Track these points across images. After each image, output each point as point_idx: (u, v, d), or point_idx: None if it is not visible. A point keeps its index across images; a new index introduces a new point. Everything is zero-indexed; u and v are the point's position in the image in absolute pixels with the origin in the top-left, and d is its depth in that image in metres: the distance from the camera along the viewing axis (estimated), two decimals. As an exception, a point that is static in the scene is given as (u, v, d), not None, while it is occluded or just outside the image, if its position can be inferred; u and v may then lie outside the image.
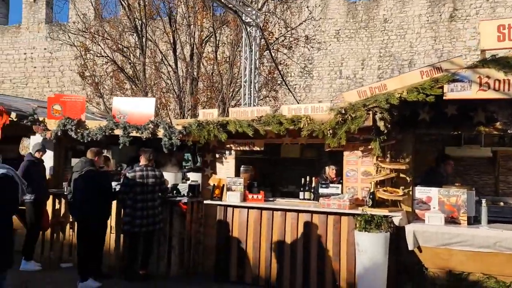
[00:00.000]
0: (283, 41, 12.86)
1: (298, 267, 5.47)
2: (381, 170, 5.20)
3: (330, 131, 5.03)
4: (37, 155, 6.33)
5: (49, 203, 6.56)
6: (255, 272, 5.68)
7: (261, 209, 5.72)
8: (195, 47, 11.89)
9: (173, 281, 5.91)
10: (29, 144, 6.76)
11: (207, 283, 5.81)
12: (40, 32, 20.50)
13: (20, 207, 6.05)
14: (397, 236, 5.05)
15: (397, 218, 4.95)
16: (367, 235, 4.84)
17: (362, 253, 4.88)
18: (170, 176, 6.75)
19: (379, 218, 4.88)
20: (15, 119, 6.67)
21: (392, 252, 4.97)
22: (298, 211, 5.53)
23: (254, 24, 9.39)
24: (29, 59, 20.88)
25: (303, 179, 6.08)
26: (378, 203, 5.06)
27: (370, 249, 4.82)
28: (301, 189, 6.07)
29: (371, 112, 4.88)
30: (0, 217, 3.35)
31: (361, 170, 5.41)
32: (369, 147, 5.22)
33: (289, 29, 12.82)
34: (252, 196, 5.85)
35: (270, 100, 12.30)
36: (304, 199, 5.98)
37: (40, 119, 6.67)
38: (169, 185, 6.47)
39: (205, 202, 6.11)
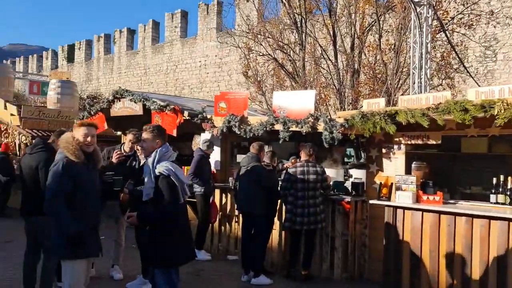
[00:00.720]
0: (460, 19, 11.16)
1: (490, 285, 4.46)
2: None
3: (539, 117, 3.91)
4: (206, 151, 6.67)
5: (217, 197, 6.87)
6: (433, 286, 4.87)
7: (439, 212, 4.89)
8: (356, 37, 11.24)
9: (337, 285, 5.52)
10: (200, 141, 7.20)
11: (374, 291, 5.25)
12: (212, 41, 22.52)
13: (191, 199, 6.51)
14: None
15: None
16: None
17: None
18: (331, 173, 6.39)
19: None
20: (187, 118, 7.18)
21: None
22: (490, 218, 4.52)
23: (425, 3, 8.30)
24: (203, 66, 23.17)
25: (494, 179, 4.98)
26: None
27: None
28: (492, 191, 4.97)
29: None
30: (165, 216, 3.41)
31: None
32: None
33: (467, 5, 11.05)
34: (428, 197, 5.05)
35: (444, 89, 10.81)
36: (496, 203, 4.88)
37: (208, 116, 7.04)
38: (331, 182, 6.09)
39: (370, 202, 5.58)
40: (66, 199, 3.30)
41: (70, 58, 32.48)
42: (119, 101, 8.21)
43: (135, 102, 7.86)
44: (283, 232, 6.10)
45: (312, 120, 5.73)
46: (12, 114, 10.69)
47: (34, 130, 10.18)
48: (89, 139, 3.45)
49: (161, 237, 3.42)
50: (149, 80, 26.03)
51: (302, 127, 5.79)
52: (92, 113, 8.59)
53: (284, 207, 5.86)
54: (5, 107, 10.96)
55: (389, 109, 5.25)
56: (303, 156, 5.71)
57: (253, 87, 13.23)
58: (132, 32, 28.36)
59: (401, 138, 5.41)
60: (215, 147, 6.92)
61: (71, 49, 32.73)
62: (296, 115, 6.01)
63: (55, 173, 3.31)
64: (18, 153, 10.45)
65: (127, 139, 5.46)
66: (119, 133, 9.40)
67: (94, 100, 18.14)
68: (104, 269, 5.52)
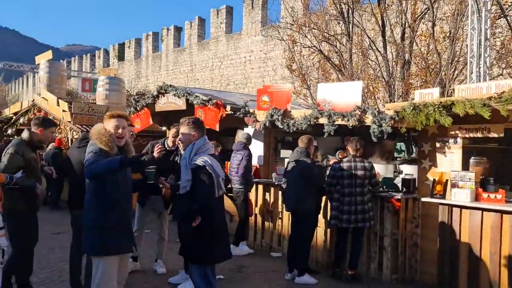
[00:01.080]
0: (523, 3, 10.31)
1: (561, 295, 4.01)
2: None
3: None
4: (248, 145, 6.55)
5: (260, 193, 6.73)
6: (495, 292, 4.47)
7: (502, 212, 4.47)
8: (406, 26, 10.66)
9: (386, 286, 5.25)
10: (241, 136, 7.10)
11: (427, 295, 4.92)
12: (257, 36, 22.39)
13: (230, 194, 6.43)
14: None
15: None
16: None
17: None
18: (380, 169, 6.07)
19: None
20: (230, 112, 7.10)
21: None
22: (562, 219, 4.06)
23: (483, -14, 7.71)
24: (248, 62, 23.11)
25: None
26: None
27: None
28: None
29: None
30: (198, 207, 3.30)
31: None
32: None
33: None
34: (488, 196, 4.65)
35: (506, 79, 10.03)
36: None
37: (251, 111, 6.90)
38: (380, 178, 5.78)
39: (422, 199, 5.25)
40: (99, 193, 3.24)
41: (121, 57, 33.60)
42: (163, 96, 8.27)
43: (178, 97, 7.88)
44: (328, 230, 5.87)
45: (359, 113, 5.43)
46: (64, 110, 11.14)
47: (84, 126, 10.52)
48: (120, 130, 3.33)
49: (193, 231, 3.32)
50: (195, 76, 26.36)
51: (348, 120, 5.51)
52: (138, 108, 8.72)
53: (329, 204, 5.63)
54: (58, 104, 11.43)
55: (444, 99, 4.86)
56: (350, 151, 5.43)
57: (297, 81, 12.95)
58: (179, 30, 28.83)
59: (457, 131, 5.02)
60: (258, 142, 6.78)
61: (121, 47, 33.84)
62: (342, 108, 5.74)
63: (91, 156, 3.19)
64: (70, 148, 10.85)
65: (170, 134, 5.44)
66: (164, 128, 9.51)
67: (142, 97, 18.59)
68: (148, 263, 5.55)
